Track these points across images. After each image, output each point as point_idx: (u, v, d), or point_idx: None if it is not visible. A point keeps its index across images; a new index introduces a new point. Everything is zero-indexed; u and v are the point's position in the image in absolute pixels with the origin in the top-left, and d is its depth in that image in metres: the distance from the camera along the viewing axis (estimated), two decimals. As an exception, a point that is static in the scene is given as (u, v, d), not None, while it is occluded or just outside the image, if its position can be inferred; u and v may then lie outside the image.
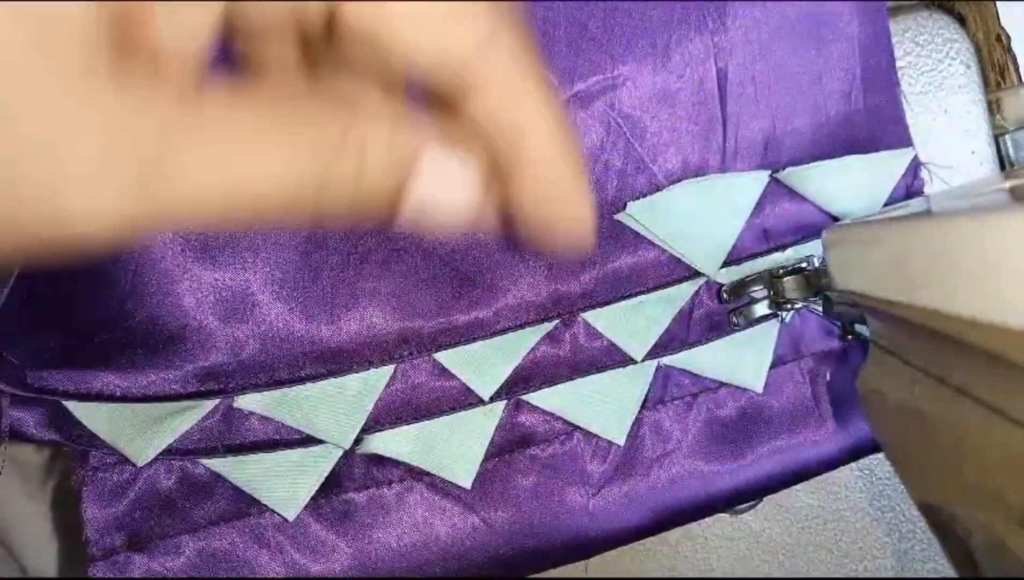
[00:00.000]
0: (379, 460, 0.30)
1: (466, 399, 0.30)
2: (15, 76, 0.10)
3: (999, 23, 0.37)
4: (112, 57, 0.11)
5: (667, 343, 0.31)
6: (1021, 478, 0.17)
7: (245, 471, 0.29)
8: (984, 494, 0.19)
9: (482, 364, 0.29)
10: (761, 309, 0.32)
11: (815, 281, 0.30)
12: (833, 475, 0.37)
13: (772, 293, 0.31)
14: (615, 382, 0.31)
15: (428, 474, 0.30)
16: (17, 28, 0.10)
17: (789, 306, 0.31)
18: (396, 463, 0.30)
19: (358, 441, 0.29)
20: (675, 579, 0.37)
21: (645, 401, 0.31)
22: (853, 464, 0.37)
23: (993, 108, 0.37)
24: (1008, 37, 0.37)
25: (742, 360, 0.32)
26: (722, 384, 0.32)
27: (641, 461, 0.31)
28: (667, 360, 0.31)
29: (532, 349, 0.30)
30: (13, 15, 0.10)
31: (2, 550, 0.36)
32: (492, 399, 0.30)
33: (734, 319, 0.32)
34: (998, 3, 0.37)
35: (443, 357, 0.29)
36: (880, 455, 0.37)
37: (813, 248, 0.32)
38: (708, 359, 0.32)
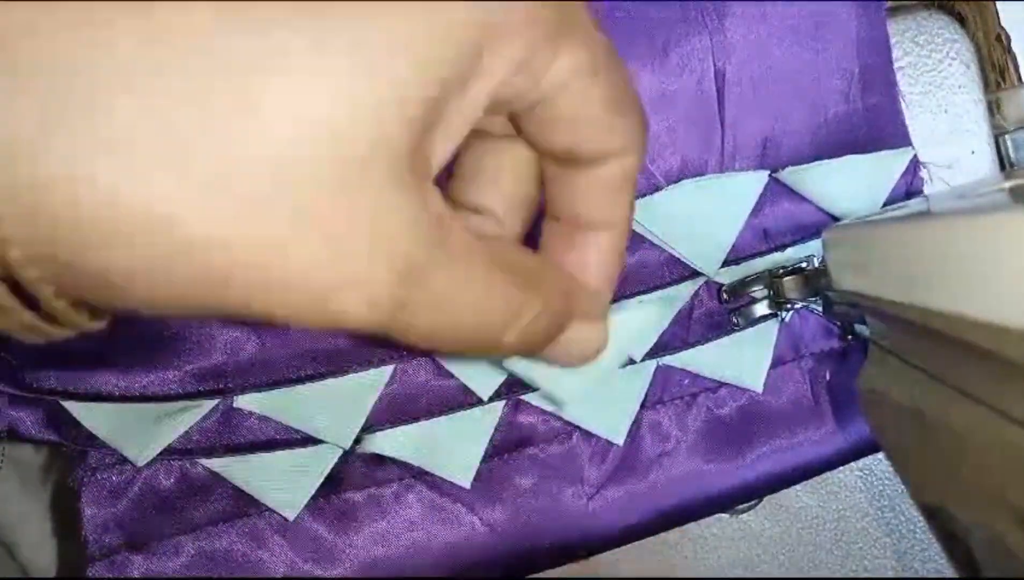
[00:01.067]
0: (378, 460, 0.30)
1: (465, 399, 0.30)
2: (341, 174, 0.12)
3: (999, 23, 0.37)
4: (412, 164, 0.13)
5: (667, 343, 0.31)
6: (1021, 478, 0.17)
7: (245, 471, 0.29)
8: (984, 494, 0.19)
9: (481, 364, 0.29)
10: (761, 309, 0.32)
11: (815, 281, 0.30)
12: (833, 475, 0.37)
13: (772, 293, 0.31)
14: (614, 382, 0.31)
15: (428, 474, 0.30)
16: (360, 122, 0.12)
17: (789, 306, 0.31)
18: (395, 463, 0.30)
19: (358, 441, 0.29)
20: (675, 579, 0.37)
21: (644, 401, 0.31)
22: (853, 464, 0.37)
23: (993, 108, 0.37)
24: (1008, 37, 0.37)
25: (742, 360, 0.32)
26: (722, 384, 0.32)
27: (640, 461, 0.31)
28: (666, 360, 0.31)
29: None
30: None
31: (2, 550, 0.36)
32: (491, 399, 0.30)
33: (734, 319, 0.32)
34: (998, 3, 0.37)
35: (442, 357, 0.29)
36: (880, 455, 0.37)
37: (813, 248, 0.32)
38: (708, 359, 0.32)
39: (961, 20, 0.37)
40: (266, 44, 0.11)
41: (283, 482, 0.29)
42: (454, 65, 0.13)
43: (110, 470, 0.29)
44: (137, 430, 0.28)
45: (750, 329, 0.32)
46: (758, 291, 0.32)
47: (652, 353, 0.31)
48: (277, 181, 0.11)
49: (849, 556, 0.38)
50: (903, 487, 0.28)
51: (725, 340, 0.31)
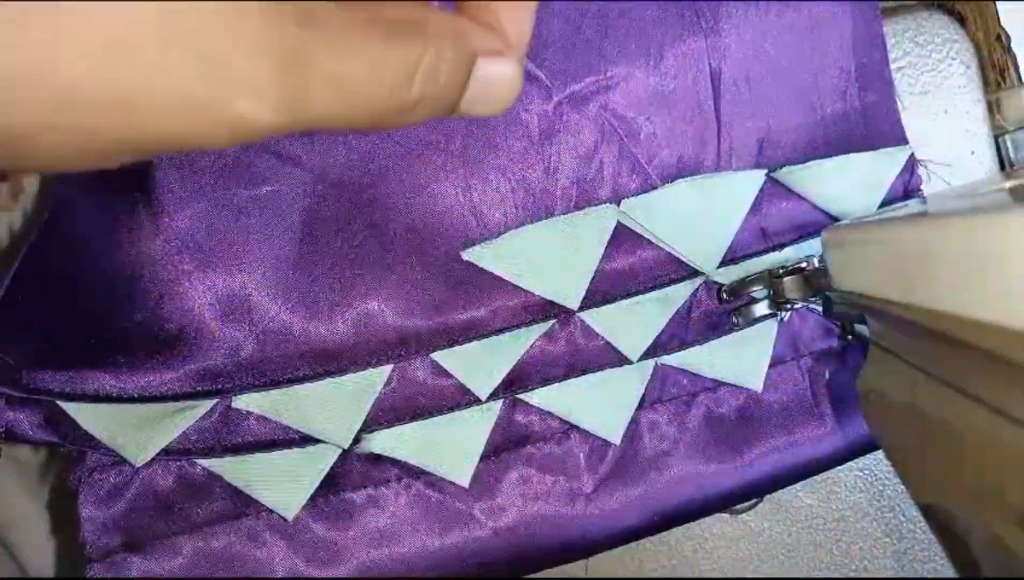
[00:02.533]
0: (376, 459, 0.30)
1: (463, 398, 0.30)
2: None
3: (999, 23, 0.37)
4: None
5: (665, 343, 0.31)
6: (1021, 478, 0.17)
7: (243, 471, 0.29)
8: (984, 494, 0.19)
9: (479, 364, 0.29)
10: (761, 309, 0.32)
11: (815, 281, 0.30)
12: (833, 475, 0.37)
13: (772, 293, 0.31)
14: (612, 382, 0.31)
15: (426, 473, 0.30)
16: None
17: (789, 306, 0.31)
18: (394, 462, 0.30)
19: (356, 440, 0.29)
20: (675, 579, 0.37)
21: (642, 401, 0.31)
22: (853, 464, 0.37)
23: (993, 108, 0.37)
24: (1008, 37, 0.37)
25: (741, 359, 0.32)
26: (720, 383, 0.32)
27: (639, 461, 0.31)
28: (665, 359, 0.31)
29: (529, 348, 0.30)
30: None
31: (2, 550, 0.36)
32: (489, 399, 0.29)
33: (734, 319, 0.32)
34: (998, 3, 0.37)
35: (440, 357, 0.29)
36: (880, 455, 0.37)
37: (813, 248, 0.32)
38: (706, 358, 0.32)
39: (961, 20, 0.37)
40: None
41: (282, 482, 0.29)
42: None
43: (108, 471, 0.29)
44: (135, 431, 0.28)
45: (749, 329, 0.32)
46: (758, 291, 0.32)
47: (650, 353, 0.31)
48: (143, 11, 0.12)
49: (849, 556, 0.38)
50: (903, 487, 0.28)
51: (724, 340, 0.31)
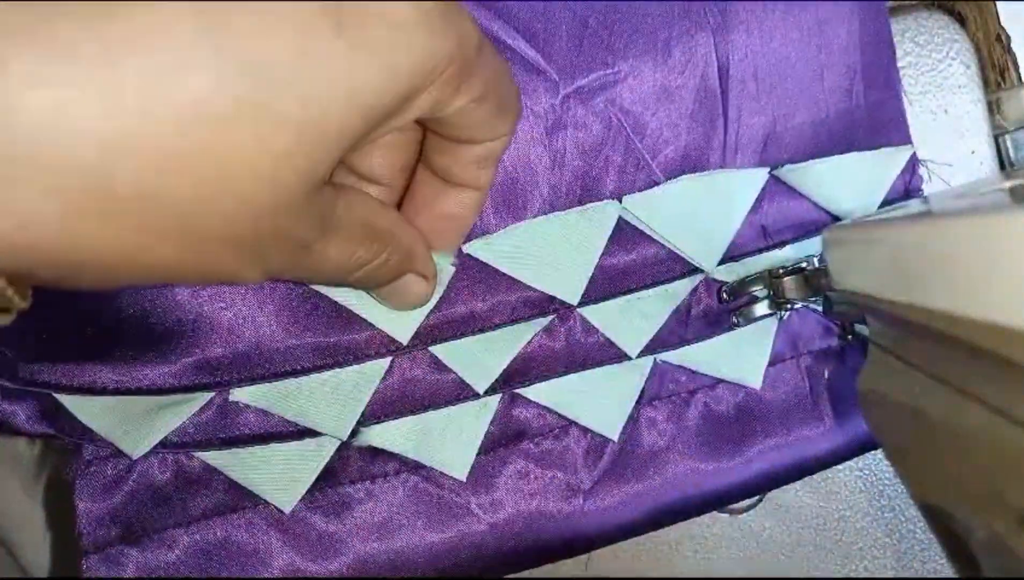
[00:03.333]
0: (374, 453, 0.30)
1: (461, 393, 0.30)
2: None
3: (999, 23, 0.37)
4: None
5: (664, 339, 0.31)
6: (1021, 478, 0.17)
7: (241, 464, 0.29)
8: (984, 494, 0.19)
9: (477, 358, 0.29)
10: (761, 309, 0.32)
11: (815, 281, 0.30)
12: (833, 475, 0.37)
13: (772, 293, 0.31)
14: (610, 378, 0.31)
15: (423, 467, 0.30)
16: None
17: (789, 306, 0.31)
18: (391, 456, 0.30)
19: (354, 434, 0.29)
20: (675, 579, 0.37)
21: (641, 397, 0.31)
22: (853, 464, 0.37)
23: (993, 108, 0.37)
24: (1008, 37, 0.37)
25: (740, 357, 0.32)
26: (719, 381, 0.32)
27: (637, 457, 0.31)
28: (664, 356, 0.31)
29: (528, 343, 0.30)
30: None
31: (2, 550, 0.36)
32: (487, 393, 0.30)
33: (734, 319, 0.32)
34: (998, 3, 0.37)
35: (438, 351, 0.29)
36: (880, 455, 0.37)
37: (813, 247, 0.32)
38: (706, 356, 0.32)
39: (961, 20, 0.37)
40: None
41: (279, 475, 0.29)
42: (388, 111, 0.18)
43: (104, 463, 0.29)
44: (132, 423, 0.28)
45: (748, 327, 0.32)
46: (758, 291, 0.32)
47: (649, 349, 0.31)
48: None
49: (849, 556, 0.38)
50: (903, 487, 0.28)
51: (723, 337, 0.31)
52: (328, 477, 0.29)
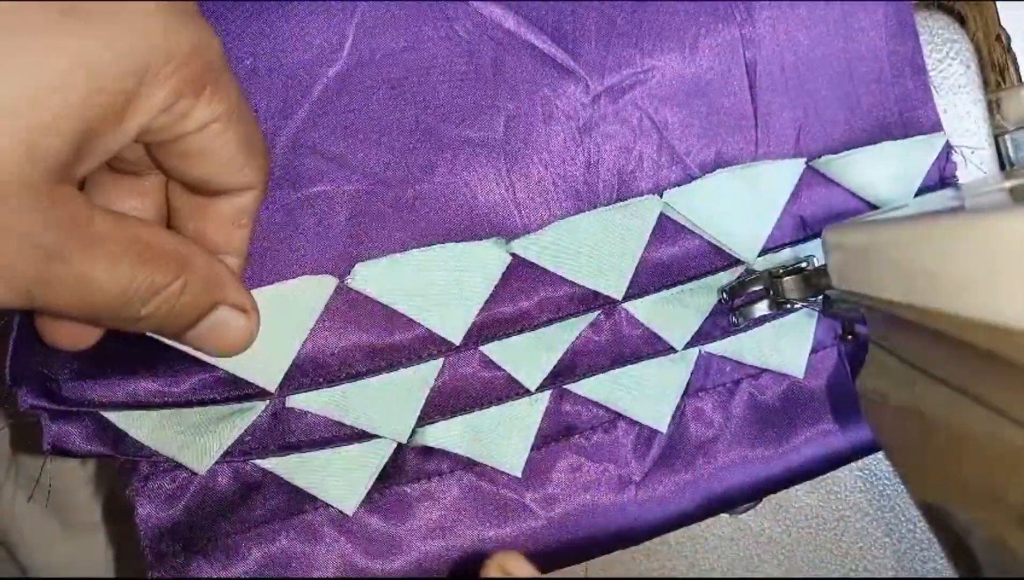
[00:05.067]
0: (428, 452, 0.30)
1: (512, 390, 0.30)
2: None
3: (999, 23, 0.37)
4: None
5: (709, 331, 0.31)
6: (1021, 478, 0.17)
7: (300, 469, 0.29)
8: (984, 494, 0.19)
9: (527, 355, 0.29)
10: (761, 309, 0.32)
11: (815, 281, 0.30)
12: (833, 475, 0.37)
13: (772, 293, 0.31)
14: (657, 370, 0.31)
15: (478, 464, 0.30)
16: None
17: (789, 306, 0.31)
18: (446, 455, 0.30)
19: (411, 434, 0.29)
20: (675, 579, 0.37)
21: (687, 388, 0.32)
22: (853, 464, 0.37)
23: (993, 108, 0.37)
24: (1008, 37, 0.37)
25: (783, 346, 0.32)
26: (763, 370, 0.33)
27: (686, 448, 0.32)
28: (708, 347, 0.32)
29: (575, 339, 0.30)
30: None
31: (2, 550, 0.36)
32: (538, 390, 0.30)
33: (733, 319, 0.32)
34: (998, 3, 0.37)
35: (489, 350, 0.29)
36: (880, 455, 0.37)
37: (813, 248, 0.32)
38: (749, 346, 0.32)
39: (961, 20, 0.37)
40: None
41: (339, 478, 0.29)
42: (120, 91, 0.17)
43: (163, 477, 0.28)
44: (189, 436, 0.27)
45: (790, 315, 0.32)
46: (759, 291, 0.32)
47: (694, 341, 0.31)
48: None
49: (849, 556, 0.38)
50: (903, 487, 0.28)
51: (766, 327, 0.32)
52: (385, 478, 0.30)
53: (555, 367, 0.30)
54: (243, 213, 0.22)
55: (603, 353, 0.31)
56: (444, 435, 0.29)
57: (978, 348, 0.17)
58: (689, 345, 0.31)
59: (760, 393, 0.33)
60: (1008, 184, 0.27)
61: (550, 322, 0.29)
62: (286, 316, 0.26)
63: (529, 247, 0.28)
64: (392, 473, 0.30)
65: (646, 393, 0.31)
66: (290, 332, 0.26)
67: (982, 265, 0.17)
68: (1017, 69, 0.37)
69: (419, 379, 0.29)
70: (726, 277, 0.31)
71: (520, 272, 0.28)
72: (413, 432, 0.29)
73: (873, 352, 0.28)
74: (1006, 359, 0.16)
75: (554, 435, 0.31)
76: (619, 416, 0.31)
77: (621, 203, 0.29)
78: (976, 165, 0.36)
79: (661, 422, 0.31)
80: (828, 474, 0.36)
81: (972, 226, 0.17)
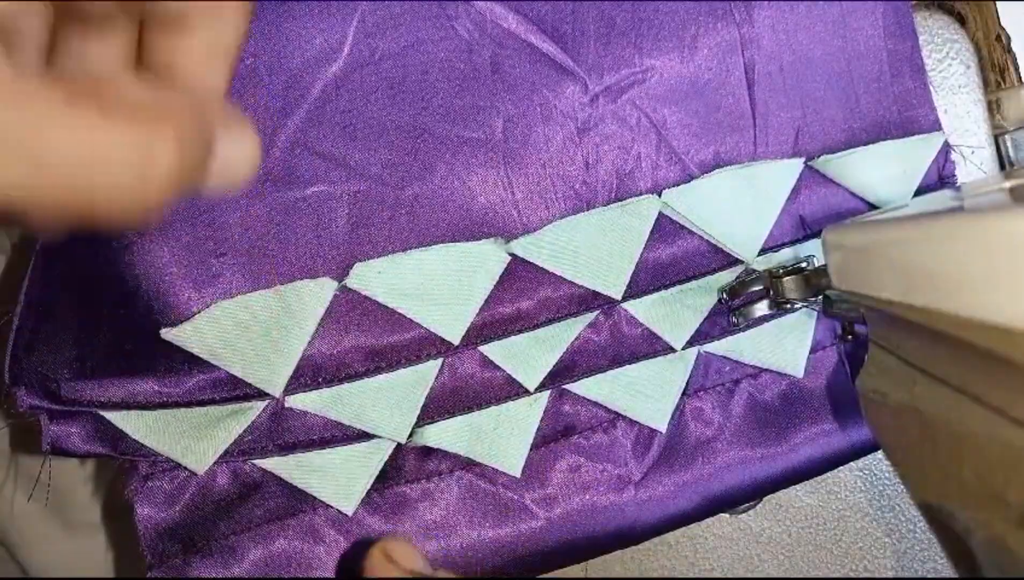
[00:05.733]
0: (427, 452, 0.30)
1: (512, 390, 0.30)
2: None
3: (999, 23, 0.37)
4: None
5: (708, 331, 0.31)
6: (1021, 478, 0.17)
7: (299, 469, 0.29)
8: (984, 494, 0.19)
9: (526, 355, 0.29)
10: (761, 309, 0.32)
11: (815, 281, 0.30)
12: (833, 475, 0.37)
13: (772, 293, 0.31)
14: (656, 370, 0.31)
15: (477, 464, 0.30)
16: None
17: (789, 306, 0.31)
18: (445, 455, 0.30)
19: (410, 434, 0.29)
20: (675, 579, 0.37)
21: (686, 388, 0.32)
22: (853, 464, 0.37)
23: (993, 108, 0.37)
24: (1008, 37, 0.37)
25: (782, 346, 0.32)
26: (763, 370, 0.33)
27: (685, 447, 0.32)
28: (707, 347, 0.32)
29: (575, 339, 0.30)
30: None
31: (2, 550, 0.36)
32: (537, 390, 0.30)
33: (733, 319, 0.32)
34: (998, 3, 0.37)
35: (488, 350, 0.29)
36: (880, 455, 0.37)
37: (813, 247, 0.32)
38: (748, 345, 0.32)
39: (961, 20, 0.37)
40: None
41: (339, 478, 0.29)
42: None
43: (163, 477, 0.28)
44: (191, 438, 0.27)
45: (789, 315, 0.32)
46: (759, 291, 0.32)
47: (693, 341, 0.31)
48: None
49: (849, 556, 0.38)
50: (903, 487, 0.28)
51: (765, 326, 0.32)
52: (384, 478, 0.30)
53: (554, 367, 0.30)
54: (219, 49, 0.18)
55: (602, 353, 0.31)
56: (443, 435, 0.29)
57: (978, 348, 0.17)
58: (688, 345, 0.31)
59: (759, 393, 0.33)
60: (1008, 184, 0.27)
61: (549, 322, 0.29)
62: (287, 320, 0.26)
63: (528, 247, 0.28)
64: (391, 473, 0.30)
65: (645, 393, 0.31)
66: (292, 336, 0.26)
67: (982, 265, 0.17)
68: (1017, 69, 0.37)
69: (418, 379, 0.28)
70: (726, 277, 0.31)
71: (519, 272, 0.28)
72: (412, 432, 0.29)
73: (873, 352, 0.28)
74: (1005, 359, 0.16)
75: (553, 435, 0.31)
76: (619, 416, 0.31)
77: (620, 203, 0.29)
78: (976, 165, 0.36)
79: (660, 422, 0.31)
80: (828, 474, 0.36)
81: (972, 226, 0.17)
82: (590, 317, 0.30)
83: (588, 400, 0.31)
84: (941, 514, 0.22)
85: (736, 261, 0.31)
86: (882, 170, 0.32)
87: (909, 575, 0.38)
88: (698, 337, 0.31)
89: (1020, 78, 0.37)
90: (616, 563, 0.36)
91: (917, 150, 0.32)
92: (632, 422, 0.31)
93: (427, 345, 0.28)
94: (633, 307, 0.30)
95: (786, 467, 0.33)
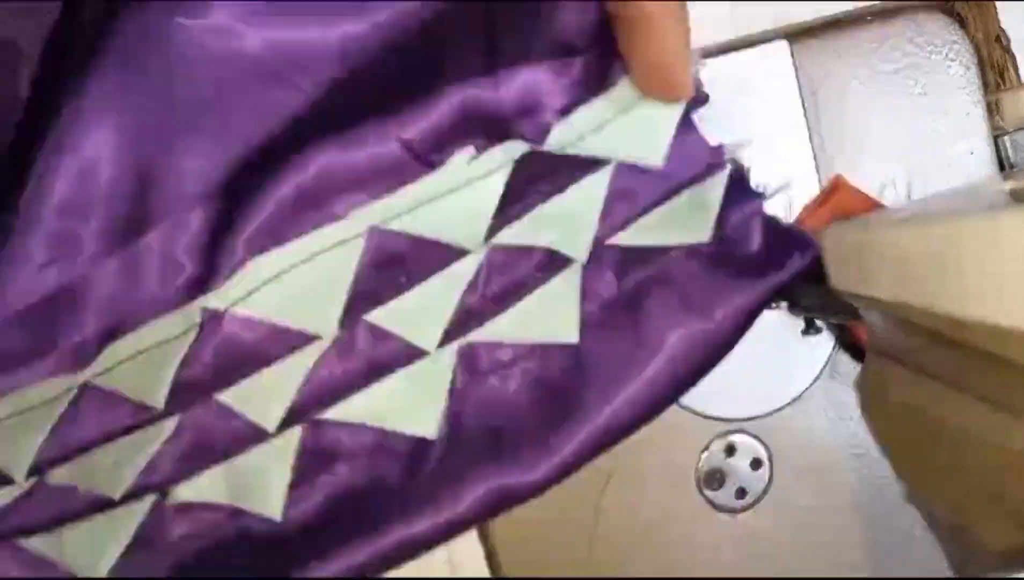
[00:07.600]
0: (189, 507, 0.29)
1: (257, 435, 0.28)
2: None
3: (999, 23, 0.37)
4: None
5: (464, 322, 0.29)
6: (1021, 478, 0.17)
7: (57, 545, 0.28)
8: (984, 494, 0.19)
9: (262, 397, 0.28)
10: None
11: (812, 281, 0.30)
12: (833, 474, 0.37)
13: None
14: (413, 378, 0.29)
15: (242, 511, 0.29)
16: None
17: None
18: (207, 506, 0.29)
19: (164, 494, 0.28)
20: (675, 579, 0.37)
21: (453, 387, 0.29)
22: (853, 464, 0.37)
23: (992, 109, 0.37)
24: (1008, 37, 0.37)
25: (549, 316, 0.30)
26: (536, 346, 0.30)
27: (468, 443, 0.29)
28: (469, 339, 0.29)
29: (315, 369, 0.28)
30: None
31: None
32: (281, 428, 0.28)
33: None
34: (998, 3, 0.37)
35: (225, 397, 0.28)
36: (880, 455, 0.37)
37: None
38: (512, 325, 0.29)
39: (961, 21, 0.37)
40: None
41: (91, 548, 0.28)
42: None
43: None
44: None
45: (550, 283, 0.29)
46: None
47: (449, 337, 0.29)
48: None
49: (849, 556, 0.38)
50: (903, 487, 0.28)
51: (527, 300, 0.29)
52: (143, 542, 0.28)
53: (296, 403, 0.28)
54: None
55: (351, 374, 0.29)
56: (199, 489, 0.28)
57: (978, 348, 0.17)
58: (443, 343, 0.29)
59: (540, 370, 0.30)
60: (1008, 185, 0.27)
61: (276, 359, 0.27)
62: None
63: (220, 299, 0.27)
64: (153, 538, 0.28)
65: (410, 403, 0.29)
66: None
67: (982, 265, 0.17)
68: (1017, 69, 0.37)
69: (151, 438, 0.27)
70: (461, 266, 0.28)
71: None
72: (167, 492, 0.28)
73: (871, 353, 0.28)
74: (1005, 359, 0.16)
75: (317, 468, 0.29)
76: (387, 434, 0.29)
77: (323, 232, 0.27)
78: (976, 165, 0.35)
79: (431, 430, 0.29)
80: (828, 474, 0.36)
81: (972, 226, 0.17)
82: (321, 347, 0.28)
83: (350, 423, 0.29)
84: (940, 514, 0.22)
85: (464, 251, 0.28)
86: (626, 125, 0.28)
87: (909, 575, 0.38)
88: (452, 333, 0.29)
89: (1020, 78, 0.37)
90: (615, 563, 0.36)
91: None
92: (402, 436, 0.29)
93: (168, 403, 0.27)
94: (375, 317, 0.28)
95: (592, 437, 0.29)
